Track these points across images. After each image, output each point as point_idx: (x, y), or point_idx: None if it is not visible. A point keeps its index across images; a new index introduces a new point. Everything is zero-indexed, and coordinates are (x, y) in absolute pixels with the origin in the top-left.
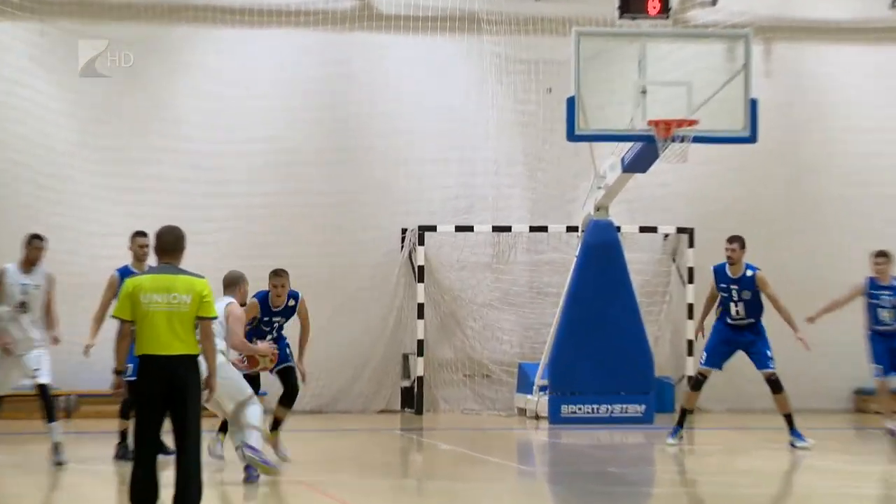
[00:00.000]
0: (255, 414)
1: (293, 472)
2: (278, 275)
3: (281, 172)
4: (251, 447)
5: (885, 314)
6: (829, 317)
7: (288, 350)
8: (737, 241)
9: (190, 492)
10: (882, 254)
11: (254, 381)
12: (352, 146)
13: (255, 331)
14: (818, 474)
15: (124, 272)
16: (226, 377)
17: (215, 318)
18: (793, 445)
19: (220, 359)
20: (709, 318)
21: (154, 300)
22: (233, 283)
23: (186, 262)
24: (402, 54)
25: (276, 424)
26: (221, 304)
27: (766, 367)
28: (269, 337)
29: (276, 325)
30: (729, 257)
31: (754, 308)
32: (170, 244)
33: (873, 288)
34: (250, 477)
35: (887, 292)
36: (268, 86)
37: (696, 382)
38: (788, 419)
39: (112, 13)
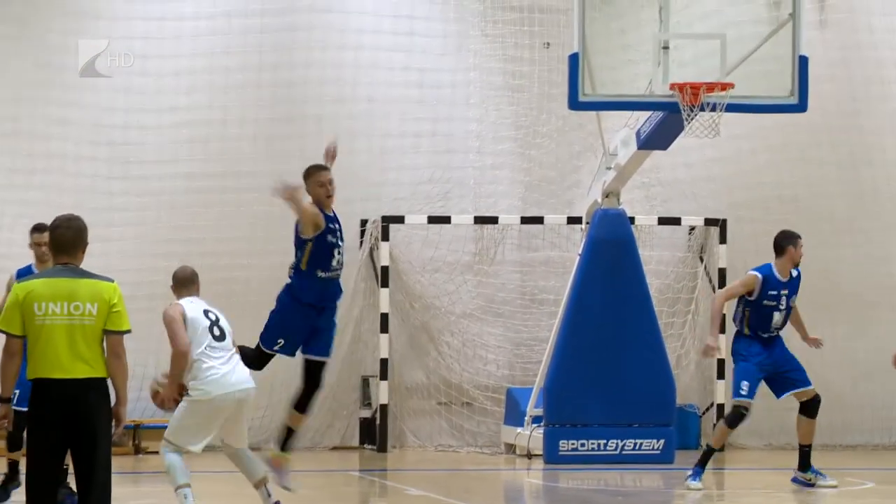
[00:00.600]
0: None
1: None
2: (323, 168)
3: (206, 149)
4: None
5: None
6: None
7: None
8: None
9: None
10: None
11: (262, 360)
12: (296, 117)
13: (319, 252)
14: None
15: (26, 273)
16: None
17: (127, 331)
18: (800, 482)
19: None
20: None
21: (51, 311)
22: (192, 280)
23: (86, 262)
24: (360, 1)
25: (289, 435)
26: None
27: (809, 384)
28: (336, 260)
29: (339, 236)
30: (800, 257)
31: (789, 315)
32: (68, 240)
33: None
34: None
35: None
36: (190, 41)
37: (737, 418)
38: (807, 451)
39: None
